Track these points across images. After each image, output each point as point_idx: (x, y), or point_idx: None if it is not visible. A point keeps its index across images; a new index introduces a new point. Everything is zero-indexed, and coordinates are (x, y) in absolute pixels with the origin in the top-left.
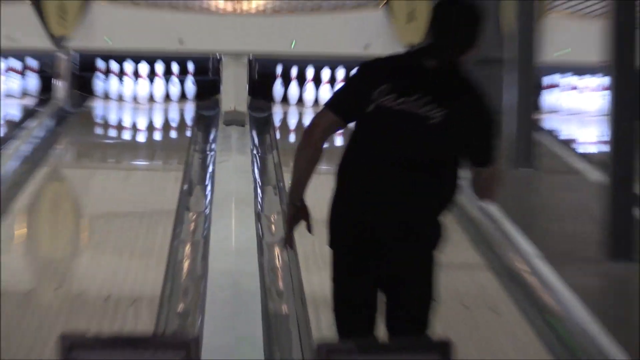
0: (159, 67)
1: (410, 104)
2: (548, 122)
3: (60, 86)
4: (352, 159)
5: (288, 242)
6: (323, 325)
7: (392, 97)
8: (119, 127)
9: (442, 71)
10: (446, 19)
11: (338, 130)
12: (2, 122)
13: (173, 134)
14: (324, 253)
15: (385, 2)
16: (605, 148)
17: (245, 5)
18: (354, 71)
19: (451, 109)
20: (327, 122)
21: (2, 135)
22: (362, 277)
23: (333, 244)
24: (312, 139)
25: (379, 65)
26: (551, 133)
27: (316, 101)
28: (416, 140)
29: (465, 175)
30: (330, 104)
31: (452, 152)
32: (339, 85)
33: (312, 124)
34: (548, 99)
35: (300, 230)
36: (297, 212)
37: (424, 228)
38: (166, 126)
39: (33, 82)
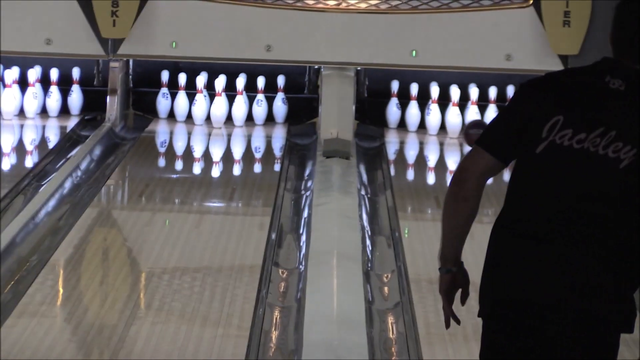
0: (240, 81)
1: (593, 141)
2: None
3: (112, 104)
4: (513, 217)
5: (448, 318)
6: None
7: (568, 133)
8: (188, 158)
9: (631, 94)
10: (637, 19)
11: (496, 174)
12: (32, 149)
13: (257, 168)
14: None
15: None
16: None
17: None
18: (511, 94)
19: None
20: (482, 166)
21: (32, 166)
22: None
23: (484, 314)
24: (464, 189)
25: (546, 87)
26: None
27: (442, 127)
28: (604, 192)
29: None
30: (484, 141)
31: None
32: (471, 107)
33: (461, 169)
34: None
35: (419, 291)
36: (454, 280)
37: (609, 309)
38: (249, 157)
39: (76, 97)
